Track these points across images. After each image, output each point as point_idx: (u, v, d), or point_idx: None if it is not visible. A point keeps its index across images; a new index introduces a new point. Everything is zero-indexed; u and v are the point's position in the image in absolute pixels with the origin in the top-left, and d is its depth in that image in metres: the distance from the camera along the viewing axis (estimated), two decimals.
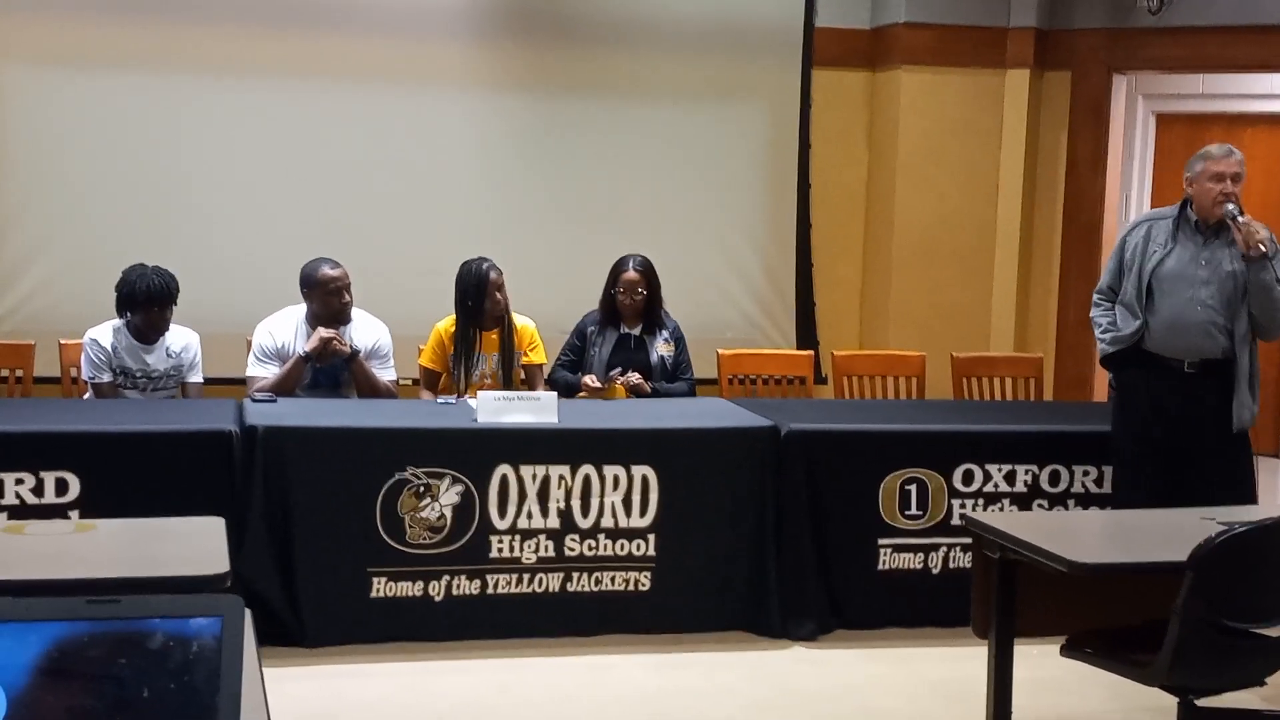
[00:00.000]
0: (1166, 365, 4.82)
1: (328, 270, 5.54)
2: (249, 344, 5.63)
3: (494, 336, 5.71)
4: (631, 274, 5.84)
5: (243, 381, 5.57)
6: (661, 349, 5.88)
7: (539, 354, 5.80)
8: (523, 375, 5.75)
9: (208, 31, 6.92)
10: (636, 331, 5.89)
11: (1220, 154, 4.77)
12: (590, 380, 5.68)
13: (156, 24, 6.87)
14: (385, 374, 5.63)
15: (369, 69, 7.08)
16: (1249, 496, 4.62)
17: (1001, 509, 5.09)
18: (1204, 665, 3.29)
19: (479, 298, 5.62)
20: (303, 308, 5.60)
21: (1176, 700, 3.40)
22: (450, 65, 7.22)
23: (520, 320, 5.79)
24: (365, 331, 5.65)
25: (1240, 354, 4.67)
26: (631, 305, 5.84)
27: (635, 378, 5.70)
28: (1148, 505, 4.70)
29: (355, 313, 5.62)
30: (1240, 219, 4.70)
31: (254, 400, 5.23)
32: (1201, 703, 3.40)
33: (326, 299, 5.51)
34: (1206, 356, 4.72)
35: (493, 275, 5.64)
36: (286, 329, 5.58)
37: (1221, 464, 4.74)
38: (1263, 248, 4.63)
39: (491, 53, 7.28)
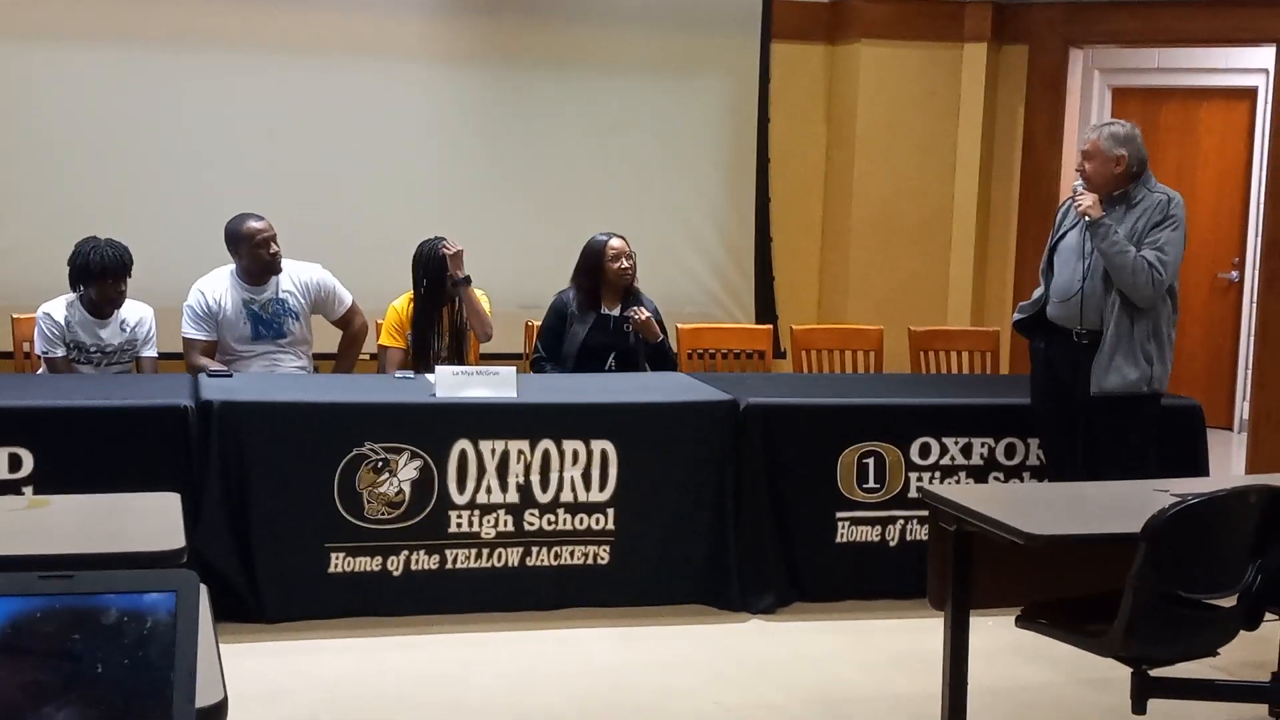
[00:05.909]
0: (1062, 334, 4.92)
1: (253, 224, 5.56)
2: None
3: (443, 314, 5.69)
4: (619, 241, 5.81)
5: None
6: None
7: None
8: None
9: (170, 5, 6.83)
10: (615, 312, 5.84)
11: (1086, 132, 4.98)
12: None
13: None
14: (348, 299, 5.79)
15: (329, 43, 7.01)
16: (1143, 467, 4.65)
17: (958, 481, 5.13)
18: (1157, 635, 3.32)
19: (440, 277, 5.61)
20: (233, 266, 5.62)
21: (1130, 670, 3.43)
22: (408, 39, 7.16)
23: (477, 292, 5.77)
24: (304, 275, 5.68)
25: (1109, 321, 4.75)
26: (622, 271, 5.78)
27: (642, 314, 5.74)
28: (1075, 474, 4.77)
29: (285, 262, 5.64)
30: (1075, 190, 4.87)
31: (209, 374, 5.21)
32: (1155, 673, 3.43)
33: (255, 252, 5.54)
34: (1091, 326, 4.82)
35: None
36: (218, 288, 5.58)
37: (1109, 430, 4.82)
38: (1090, 215, 4.75)
39: (449, 27, 7.22)
